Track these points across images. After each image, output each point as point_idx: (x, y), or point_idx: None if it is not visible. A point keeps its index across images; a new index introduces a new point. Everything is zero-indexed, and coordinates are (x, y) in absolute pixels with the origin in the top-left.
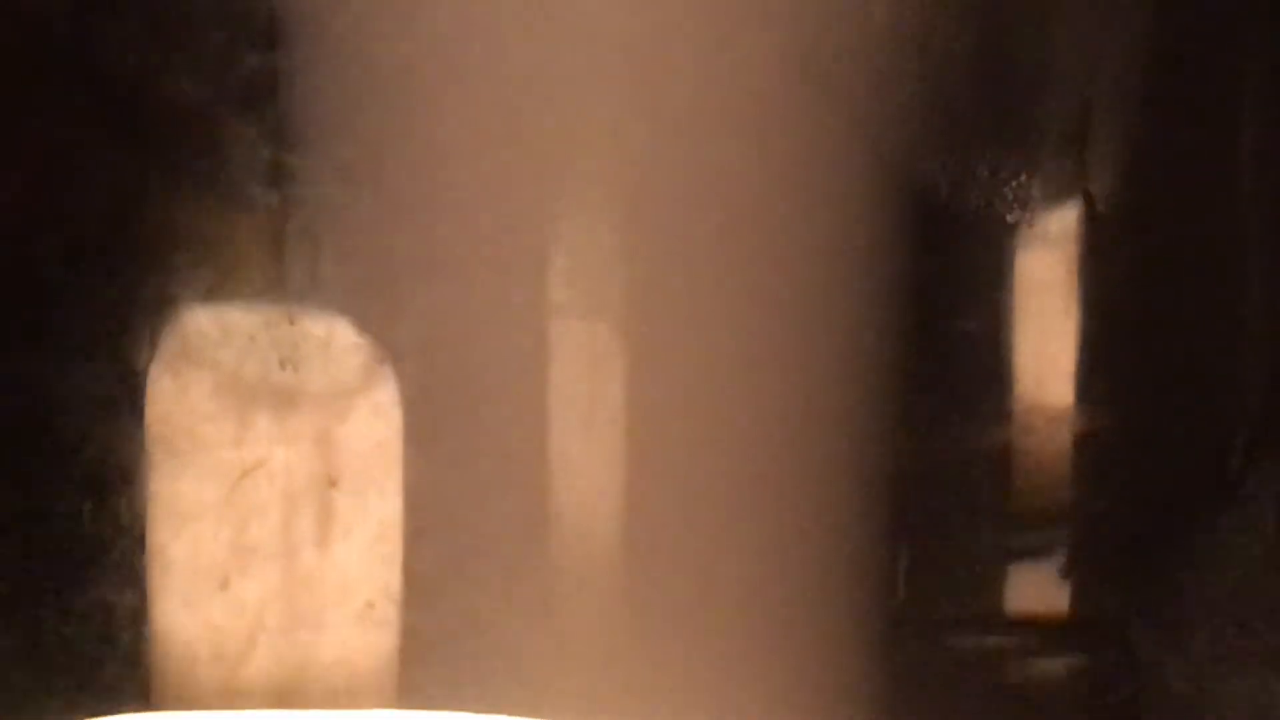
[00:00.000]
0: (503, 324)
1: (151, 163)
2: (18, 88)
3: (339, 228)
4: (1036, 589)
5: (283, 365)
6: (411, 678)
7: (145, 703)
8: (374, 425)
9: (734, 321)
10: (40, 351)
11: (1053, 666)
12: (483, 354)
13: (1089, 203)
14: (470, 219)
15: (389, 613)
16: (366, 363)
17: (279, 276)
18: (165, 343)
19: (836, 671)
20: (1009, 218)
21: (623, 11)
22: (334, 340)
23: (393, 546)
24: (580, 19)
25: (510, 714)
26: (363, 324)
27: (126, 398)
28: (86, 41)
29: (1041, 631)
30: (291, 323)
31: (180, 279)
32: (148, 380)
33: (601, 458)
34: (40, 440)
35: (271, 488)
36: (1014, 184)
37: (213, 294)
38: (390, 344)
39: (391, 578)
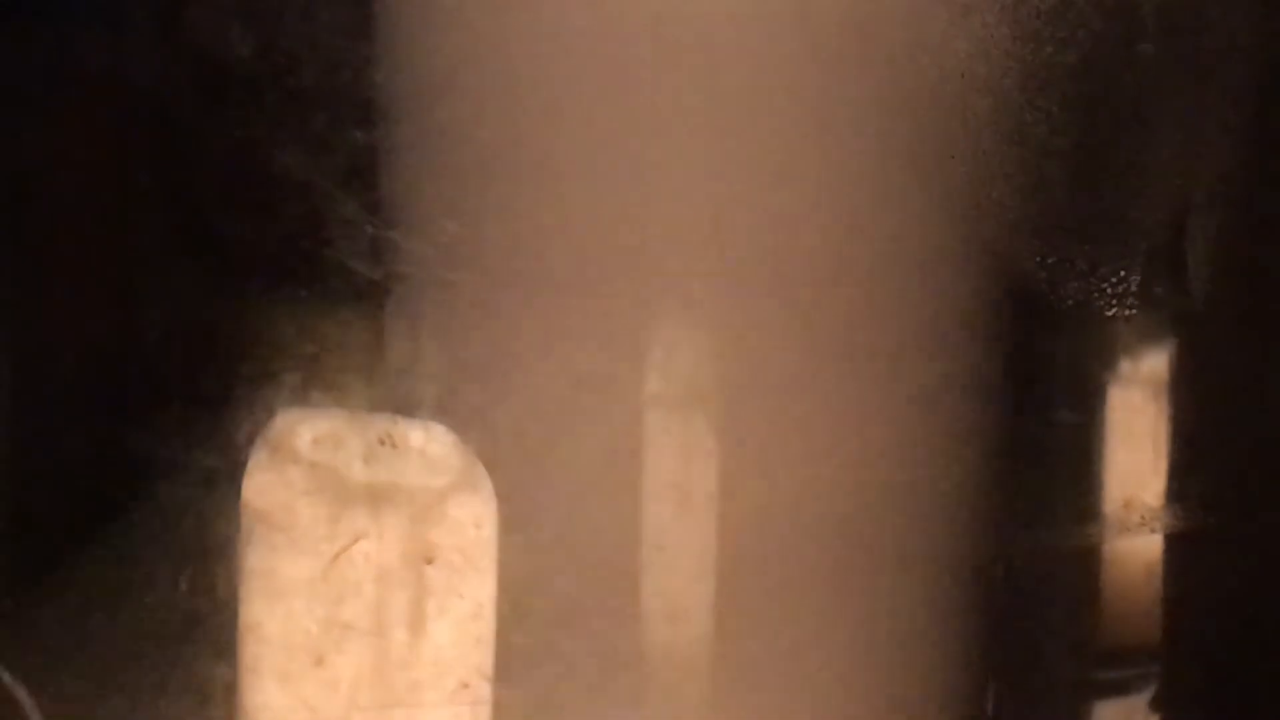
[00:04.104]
0: (599, 410)
1: (254, 239)
2: (129, 163)
3: (439, 306)
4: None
5: (382, 442)
6: None
7: None
8: (471, 505)
9: (828, 411)
10: (141, 425)
11: None
12: (579, 439)
13: (1187, 299)
14: (568, 304)
15: (483, 693)
16: (464, 443)
17: (379, 353)
18: (264, 419)
19: None
20: (1107, 312)
21: (724, 105)
22: (433, 418)
23: (487, 627)
24: (683, 111)
25: None
26: (461, 403)
27: (225, 472)
28: (192, 115)
29: None
30: (392, 398)
31: (282, 353)
32: (247, 455)
33: (695, 545)
34: (139, 512)
35: (367, 565)
36: (1113, 278)
37: (313, 367)
38: (488, 424)
39: (485, 658)
